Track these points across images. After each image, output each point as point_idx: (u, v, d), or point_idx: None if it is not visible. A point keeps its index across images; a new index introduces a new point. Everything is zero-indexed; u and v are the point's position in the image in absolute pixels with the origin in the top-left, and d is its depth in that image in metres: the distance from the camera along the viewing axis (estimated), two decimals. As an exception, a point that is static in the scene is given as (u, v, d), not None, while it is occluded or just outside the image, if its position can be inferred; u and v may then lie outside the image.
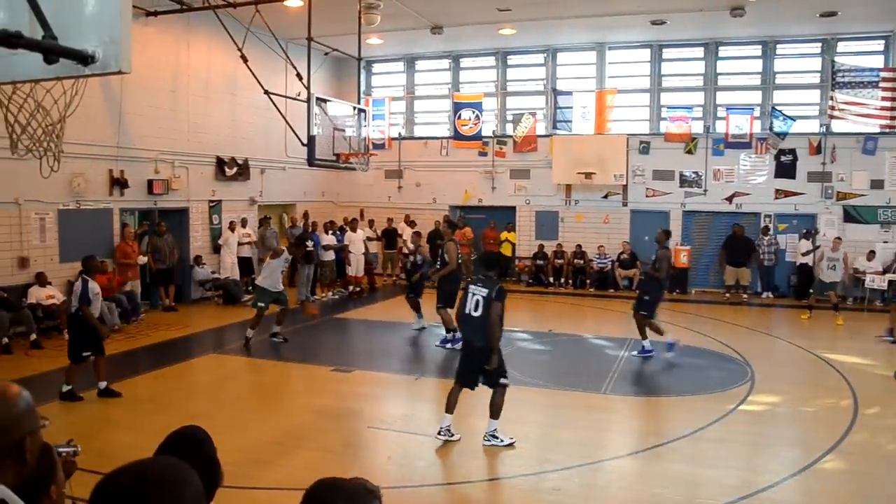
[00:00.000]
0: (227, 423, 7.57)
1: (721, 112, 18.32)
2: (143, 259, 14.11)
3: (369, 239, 18.16)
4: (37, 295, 11.87)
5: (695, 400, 8.91)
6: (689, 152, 18.28)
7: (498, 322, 6.93)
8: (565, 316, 15.06)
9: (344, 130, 13.15)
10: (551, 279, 18.99)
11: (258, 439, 7.22)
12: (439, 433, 7.14)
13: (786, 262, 17.63)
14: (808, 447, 7.21)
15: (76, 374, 8.59)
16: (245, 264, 16.57)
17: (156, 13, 13.71)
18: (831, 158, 17.21)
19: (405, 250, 13.81)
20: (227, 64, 15.42)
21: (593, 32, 18.09)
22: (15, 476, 1.69)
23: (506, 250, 19.56)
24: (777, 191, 17.72)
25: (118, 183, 13.79)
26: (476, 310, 7.04)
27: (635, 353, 11.19)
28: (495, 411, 7.12)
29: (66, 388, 8.47)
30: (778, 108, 17.52)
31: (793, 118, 17.25)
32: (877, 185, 16.93)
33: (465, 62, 20.81)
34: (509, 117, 20.20)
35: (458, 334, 11.33)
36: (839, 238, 15.43)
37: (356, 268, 17.19)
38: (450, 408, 7.20)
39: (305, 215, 18.31)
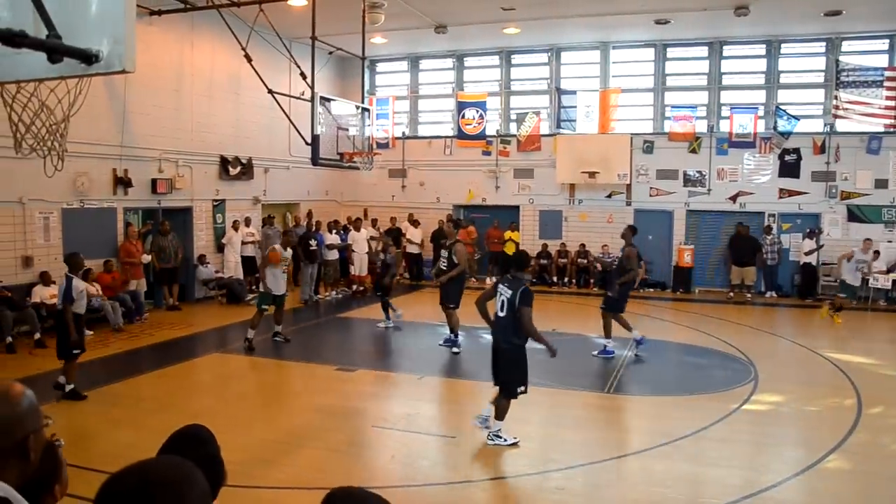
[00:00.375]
0: (231, 423, 7.59)
1: (725, 111, 18.29)
2: (146, 258, 14.14)
3: (373, 238, 18.15)
4: (40, 294, 11.90)
5: (698, 399, 8.90)
6: (693, 152, 18.26)
7: (531, 325, 6.93)
8: (569, 315, 15.04)
9: (348, 130, 13.16)
10: (555, 278, 18.98)
11: (262, 438, 7.23)
12: (494, 437, 7.10)
13: (789, 262, 17.60)
14: (811, 447, 7.20)
15: (75, 372, 8.59)
16: (249, 263, 16.59)
17: (160, 12, 13.74)
18: (835, 158, 17.17)
19: (376, 250, 13.53)
20: (230, 63, 15.43)
21: (597, 32, 18.07)
22: (19, 475, 1.69)
23: (509, 250, 19.55)
24: (781, 190, 17.69)
25: (122, 182, 13.82)
26: (502, 310, 7.04)
27: (595, 353, 11.12)
28: (500, 412, 7.10)
29: (69, 387, 8.47)
30: (782, 107, 17.49)
31: (797, 117, 17.23)
32: (881, 184, 16.90)
33: (468, 61, 20.80)
34: (513, 116, 20.18)
35: (459, 338, 11.41)
36: (869, 239, 15.31)
37: (359, 267, 17.20)
38: (498, 414, 7.14)
39: (309, 214, 18.33)
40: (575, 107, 18.98)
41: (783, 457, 7.04)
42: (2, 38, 2.77)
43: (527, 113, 19.73)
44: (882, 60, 17.00)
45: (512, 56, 20.24)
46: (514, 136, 19.79)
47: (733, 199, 18.07)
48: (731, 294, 17.24)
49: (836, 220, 17.26)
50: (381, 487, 6.12)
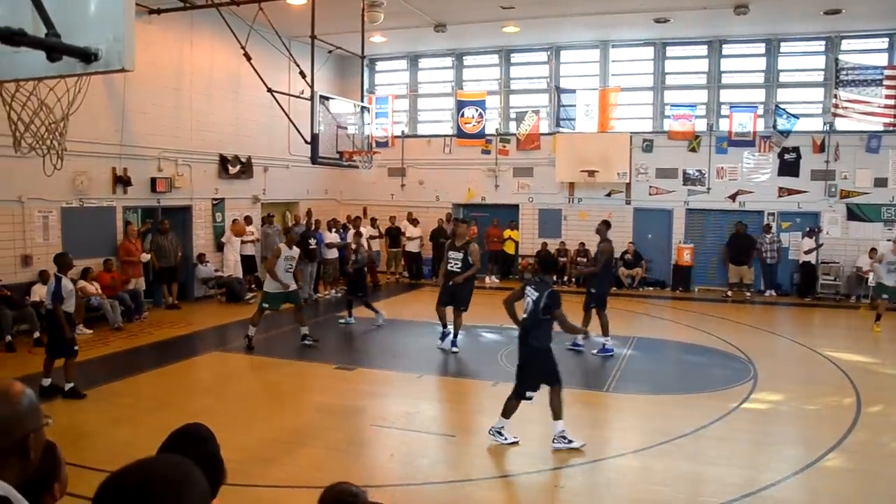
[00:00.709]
0: (230, 421, 7.59)
1: (724, 110, 18.28)
2: (146, 257, 14.14)
3: (372, 237, 18.16)
4: (40, 293, 11.86)
5: (697, 398, 8.90)
6: (693, 150, 18.27)
7: (570, 325, 7.00)
8: (568, 314, 14.97)
9: (347, 128, 13.16)
10: (554, 277, 18.94)
11: (261, 437, 7.23)
12: (554, 441, 6.93)
13: (788, 261, 17.60)
14: (810, 445, 7.20)
15: (74, 369, 8.60)
16: (248, 262, 16.59)
17: (159, 11, 13.72)
18: (835, 156, 17.18)
19: (355, 250, 13.26)
20: (230, 62, 15.42)
21: (597, 30, 18.06)
22: (19, 474, 1.69)
23: (509, 248, 19.57)
24: (780, 189, 17.69)
25: (121, 181, 13.81)
26: (525, 312, 7.02)
27: (594, 351, 11.11)
28: (507, 411, 7.05)
29: (68, 385, 8.46)
30: (781, 106, 17.49)
31: (796, 116, 17.23)
32: (880, 183, 16.90)
33: (468, 60, 20.80)
34: (512, 115, 20.18)
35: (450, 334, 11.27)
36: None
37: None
38: (556, 414, 7.02)
39: (309, 213, 18.33)
40: (574, 105, 18.97)
41: (783, 455, 7.04)
42: (1, 37, 2.77)
43: (526, 112, 19.72)
44: (881, 59, 17.00)
45: (511, 55, 20.23)
46: (514, 134, 19.79)
47: (733, 197, 18.08)
48: (730, 293, 17.24)
49: (835, 219, 17.27)
50: (380, 486, 6.13)
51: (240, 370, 10.58)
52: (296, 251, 11.76)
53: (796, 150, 17.44)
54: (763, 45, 18.02)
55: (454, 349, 11.18)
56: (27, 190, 11.92)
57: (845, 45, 17.36)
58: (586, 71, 19.59)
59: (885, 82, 16.29)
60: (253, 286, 16.40)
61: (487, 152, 20.06)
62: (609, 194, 19.01)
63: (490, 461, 6.84)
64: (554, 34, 18.36)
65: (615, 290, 17.71)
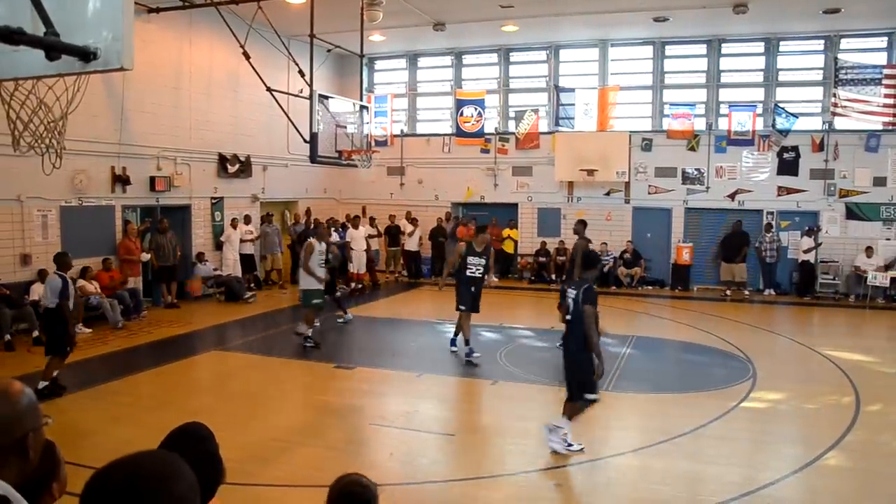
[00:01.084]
0: (229, 420, 7.59)
1: (724, 109, 18.28)
2: (146, 256, 14.13)
3: (371, 236, 18.15)
4: (39, 292, 11.85)
5: (696, 397, 8.91)
6: (692, 149, 18.27)
7: (591, 327, 6.66)
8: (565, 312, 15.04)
9: (346, 127, 13.16)
10: (553, 276, 18.98)
11: (260, 436, 7.23)
12: (570, 446, 6.79)
13: (787, 260, 17.60)
14: (809, 444, 7.21)
15: (56, 368, 8.58)
16: (247, 261, 16.59)
17: (158, 10, 13.71)
18: (834, 156, 17.18)
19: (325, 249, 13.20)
20: (229, 61, 15.41)
21: (596, 29, 18.06)
22: (18, 474, 1.68)
23: (508, 248, 19.58)
24: (779, 188, 17.70)
25: (120, 180, 13.81)
26: (569, 313, 6.87)
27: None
28: (571, 414, 6.82)
29: (42, 384, 8.32)
30: (781, 105, 17.49)
31: (795, 115, 17.23)
32: (879, 182, 16.91)
33: (467, 59, 20.79)
34: (511, 114, 20.18)
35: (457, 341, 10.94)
36: None
37: (358, 265, 17.19)
38: (566, 412, 6.92)
39: (308, 212, 18.32)
40: (573, 104, 18.98)
41: (781, 454, 7.04)
42: (0, 35, 2.77)
43: (525, 111, 19.71)
44: (881, 58, 17.00)
45: (510, 54, 20.23)
46: (513, 133, 19.78)
47: (732, 196, 18.08)
48: (728, 292, 17.20)
49: (834, 218, 17.28)
50: (379, 485, 6.10)
51: (239, 369, 10.57)
52: (324, 246, 11.68)
53: (795, 149, 17.44)
54: (762, 43, 18.02)
55: (476, 354, 10.63)
56: (26, 189, 11.91)
57: (844, 44, 17.36)
58: (585, 70, 19.59)
59: (885, 81, 16.30)
60: (252, 285, 16.40)
61: (486, 151, 20.05)
62: (608, 193, 19.01)
63: (489, 460, 6.85)
64: (553, 33, 18.36)
65: (615, 290, 17.79)
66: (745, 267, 17.35)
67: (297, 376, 10.13)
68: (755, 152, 17.85)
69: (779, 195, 17.71)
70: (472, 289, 10.69)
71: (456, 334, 11.11)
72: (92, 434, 7.23)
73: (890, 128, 16.48)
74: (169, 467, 1.50)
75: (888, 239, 16.81)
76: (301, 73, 12.84)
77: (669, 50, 18.86)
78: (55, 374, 8.56)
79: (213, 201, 16.38)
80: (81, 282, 12.23)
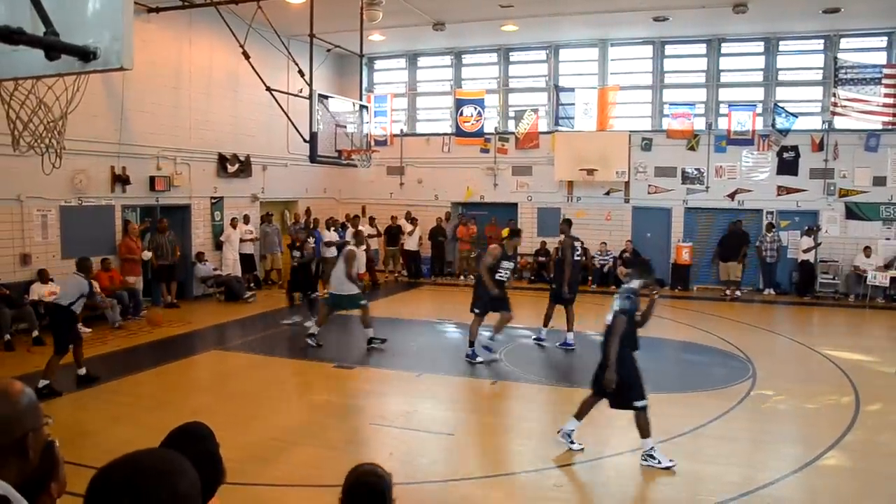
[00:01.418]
0: (229, 420, 7.58)
1: (723, 109, 18.28)
2: (147, 255, 14.13)
3: (371, 236, 18.15)
4: (39, 292, 11.89)
5: (696, 396, 8.91)
6: (692, 149, 18.27)
7: (613, 338, 6.49)
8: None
9: (346, 127, 13.16)
10: (553, 275, 18.95)
11: (259, 436, 7.23)
12: (559, 433, 6.83)
13: (787, 259, 17.60)
14: (809, 444, 7.21)
15: (57, 368, 8.66)
16: (247, 261, 16.59)
17: (157, 10, 13.71)
18: (833, 155, 17.18)
19: (298, 246, 12.97)
20: (229, 60, 15.41)
21: (595, 29, 18.06)
22: (18, 474, 1.68)
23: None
24: (779, 188, 17.70)
25: (120, 180, 13.80)
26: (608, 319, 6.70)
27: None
28: (642, 430, 6.54)
29: (43, 382, 8.36)
30: (780, 104, 17.49)
31: (795, 115, 17.23)
32: (879, 181, 16.91)
33: (466, 59, 20.79)
34: (511, 114, 20.18)
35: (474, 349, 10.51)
36: None
37: (357, 264, 17.15)
38: (580, 413, 6.82)
39: (308, 212, 18.32)
40: (573, 104, 18.98)
41: (781, 454, 7.05)
42: (0, 35, 2.77)
43: (525, 110, 19.71)
44: (880, 58, 17.00)
45: (510, 53, 20.22)
46: (513, 133, 19.78)
47: (732, 196, 18.08)
48: (728, 292, 17.19)
49: (834, 218, 17.28)
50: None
51: (238, 369, 10.58)
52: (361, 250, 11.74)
53: (795, 148, 17.44)
54: (762, 43, 18.02)
55: (476, 360, 10.47)
56: (26, 188, 11.90)
57: (844, 43, 17.36)
58: (585, 69, 19.59)
59: (884, 81, 16.29)
60: (251, 285, 16.40)
61: (486, 151, 20.05)
62: (608, 193, 19.01)
63: (489, 460, 6.85)
64: (553, 33, 18.36)
65: (614, 289, 17.76)
66: (740, 267, 17.33)
67: (297, 376, 10.14)
68: (755, 152, 17.85)
69: (778, 195, 17.71)
70: (497, 292, 10.48)
71: (492, 337, 10.73)
72: (92, 434, 7.23)
73: (889, 127, 16.47)
74: (172, 465, 1.52)
75: (888, 238, 16.81)
76: (301, 72, 12.83)
77: (669, 49, 18.86)
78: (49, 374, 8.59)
79: (213, 201, 16.38)
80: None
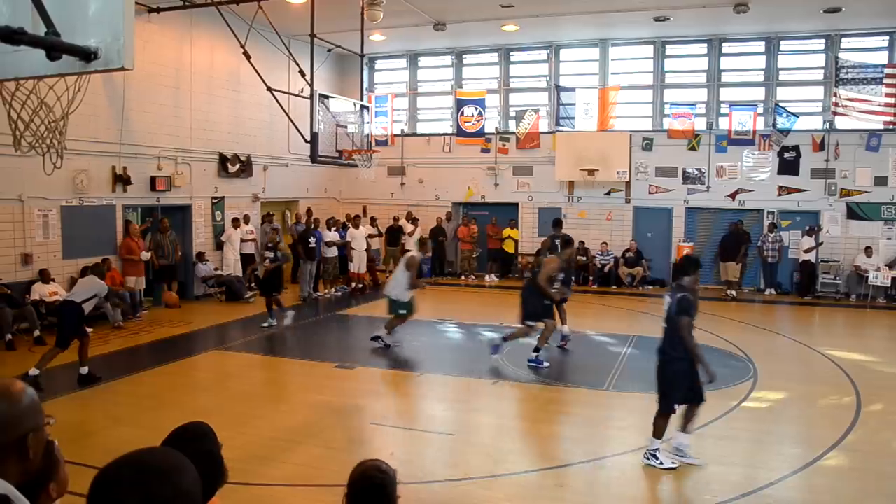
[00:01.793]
0: (230, 420, 7.59)
1: (724, 109, 18.27)
2: (147, 255, 14.13)
3: (371, 236, 18.15)
4: (40, 291, 11.91)
5: (697, 397, 8.89)
6: (693, 149, 18.26)
7: (688, 337, 6.44)
8: (568, 312, 15.03)
9: (347, 127, 13.16)
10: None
11: (260, 436, 7.23)
12: (645, 455, 6.53)
13: (788, 259, 17.59)
14: (810, 444, 7.21)
15: (50, 361, 8.77)
16: (248, 261, 16.59)
17: (158, 10, 13.72)
18: (835, 155, 17.16)
19: (272, 247, 12.87)
20: (229, 61, 15.42)
21: (596, 29, 18.06)
22: (19, 474, 1.68)
23: (508, 247, 19.57)
24: (780, 187, 17.69)
25: (121, 180, 13.81)
26: (664, 321, 6.66)
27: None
28: (657, 430, 6.48)
29: (34, 371, 8.47)
30: (781, 104, 17.48)
31: (796, 115, 17.22)
32: (880, 181, 16.89)
33: (467, 59, 20.78)
34: (512, 114, 20.17)
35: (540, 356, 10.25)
36: None
37: (358, 264, 17.20)
38: (685, 426, 6.60)
39: (308, 212, 18.33)
40: (574, 104, 18.97)
41: (782, 454, 7.04)
42: (1, 36, 2.77)
43: (526, 110, 19.71)
44: (881, 57, 16.98)
45: (511, 53, 20.22)
46: (513, 133, 19.78)
47: (732, 196, 18.07)
48: (728, 292, 17.13)
49: (835, 218, 17.26)
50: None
51: (239, 369, 10.58)
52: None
53: (796, 148, 17.43)
54: (763, 43, 18.01)
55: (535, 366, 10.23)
56: (27, 188, 11.92)
57: (845, 43, 17.35)
58: (586, 69, 19.59)
59: (885, 80, 16.28)
60: (252, 284, 16.39)
61: (487, 151, 20.05)
62: (609, 193, 19.01)
63: (490, 460, 6.84)
64: (553, 33, 18.36)
65: (615, 289, 17.80)
66: (738, 267, 17.31)
67: (298, 376, 10.14)
68: (756, 152, 17.84)
69: (779, 195, 17.71)
70: (546, 301, 10.34)
71: (537, 350, 10.34)
72: (93, 434, 7.24)
73: (891, 127, 16.46)
74: (174, 463, 1.54)
75: (889, 238, 16.79)
76: (301, 72, 12.84)
77: (670, 49, 18.86)
78: (38, 370, 8.66)
79: (214, 201, 16.38)
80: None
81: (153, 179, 14.55)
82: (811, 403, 8.84)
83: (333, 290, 17.15)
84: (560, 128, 19.05)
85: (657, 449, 6.46)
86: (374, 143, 15.16)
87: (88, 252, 12.85)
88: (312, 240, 16.26)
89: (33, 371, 8.42)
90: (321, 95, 12.47)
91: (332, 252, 16.79)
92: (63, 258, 12.75)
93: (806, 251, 16.85)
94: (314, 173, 19.08)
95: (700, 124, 18.23)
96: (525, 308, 10.44)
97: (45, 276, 12.07)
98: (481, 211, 20.26)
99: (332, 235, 16.94)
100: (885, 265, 16.18)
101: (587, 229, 19.07)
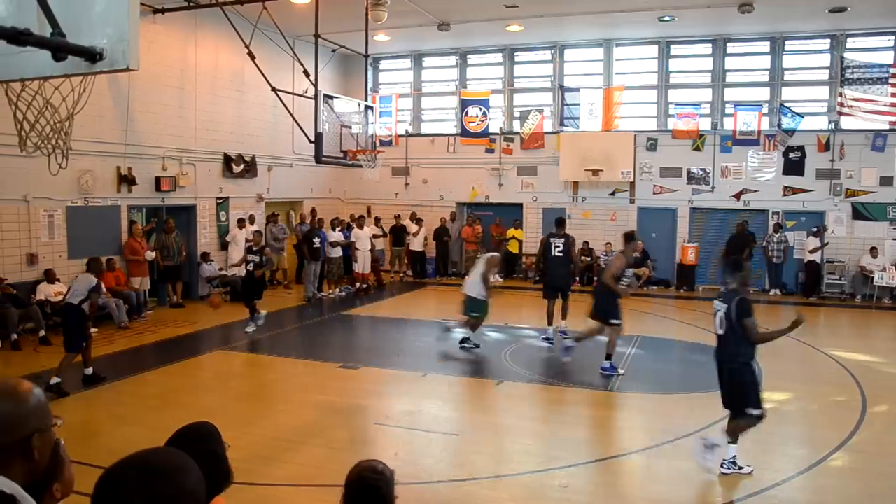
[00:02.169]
0: (234, 420, 7.60)
1: (729, 109, 18.24)
2: (151, 255, 14.16)
3: (376, 236, 18.16)
4: (45, 291, 11.94)
5: (701, 397, 8.87)
6: (697, 149, 18.23)
7: (761, 336, 6.33)
8: (572, 313, 15.02)
9: (351, 127, 13.14)
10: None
11: (264, 435, 7.24)
12: (722, 465, 6.33)
13: (793, 260, 17.54)
14: (815, 445, 7.19)
15: (69, 366, 8.74)
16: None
17: (163, 10, 13.75)
18: (840, 155, 17.12)
19: (258, 251, 12.74)
20: (234, 61, 15.45)
21: (601, 29, 18.04)
22: (25, 474, 1.68)
23: (512, 247, 19.56)
24: (785, 188, 17.64)
25: (126, 180, 13.85)
26: (720, 327, 6.43)
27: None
28: (733, 435, 6.32)
29: (55, 380, 8.46)
30: (786, 104, 17.44)
31: (801, 115, 17.17)
32: (886, 181, 16.83)
33: (472, 59, 20.78)
34: (516, 114, 20.16)
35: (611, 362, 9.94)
36: None
37: (363, 265, 17.21)
38: (732, 436, 6.43)
39: (313, 212, 18.34)
40: (578, 104, 18.96)
41: (787, 455, 7.02)
42: (7, 36, 2.78)
43: (530, 110, 19.70)
44: (887, 57, 16.93)
45: (515, 53, 20.21)
46: (518, 133, 19.77)
47: (737, 196, 18.04)
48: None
49: (840, 218, 17.21)
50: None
51: (243, 369, 10.61)
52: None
53: (801, 148, 17.38)
54: (768, 43, 17.97)
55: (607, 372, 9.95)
56: (33, 189, 11.96)
57: (850, 42, 17.29)
58: (590, 70, 19.57)
59: (891, 80, 16.22)
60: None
61: (491, 151, 20.05)
62: (613, 193, 18.99)
63: (494, 460, 6.84)
64: (558, 33, 18.34)
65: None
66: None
67: (302, 376, 10.15)
68: (761, 152, 17.79)
69: (784, 195, 17.66)
70: (618, 298, 10.09)
71: (608, 357, 10.01)
72: (98, 433, 7.26)
73: (896, 127, 16.42)
74: (178, 463, 1.55)
75: (894, 239, 16.74)
76: (306, 73, 12.84)
77: (674, 50, 18.83)
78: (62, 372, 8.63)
79: (219, 201, 16.41)
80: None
81: (158, 180, 14.58)
82: (816, 404, 8.81)
83: (338, 290, 17.17)
84: (564, 128, 19.04)
85: (735, 456, 6.28)
86: (378, 144, 15.14)
87: (93, 252, 12.80)
88: (317, 240, 16.28)
89: (55, 379, 8.43)
90: (325, 96, 12.47)
91: (337, 252, 16.80)
92: (68, 258, 12.79)
93: (811, 251, 16.80)
94: (318, 173, 19.11)
95: (705, 124, 18.21)
96: (596, 306, 10.21)
97: (50, 277, 12.11)
98: (485, 211, 20.25)
99: (336, 236, 16.96)
100: (891, 265, 16.14)
101: (591, 230, 19.05)
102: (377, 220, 19.47)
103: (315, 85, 12.33)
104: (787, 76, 18.00)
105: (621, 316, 10.07)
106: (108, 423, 7.70)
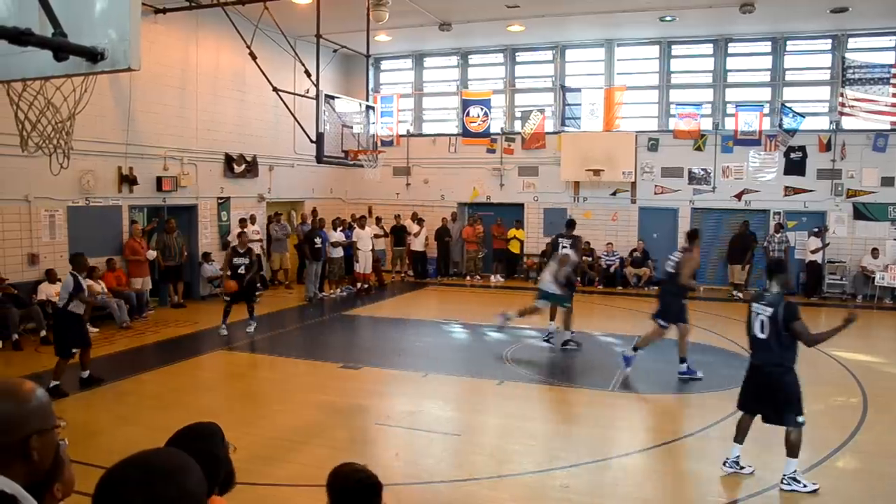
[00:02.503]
0: (235, 420, 7.61)
1: (730, 109, 18.23)
2: (152, 254, 14.16)
3: (377, 236, 18.17)
4: (46, 291, 11.94)
5: (702, 397, 8.88)
6: (698, 149, 18.22)
7: (814, 337, 6.15)
8: (573, 313, 15.04)
9: (352, 127, 13.15)
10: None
11: (265, 436, 7.24)
12: (725, 464, 6.35)
13: (794, 260, 17.52)
14: (816, 445, 7.17)
15: (64, 370, 8.69)
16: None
17: (164, 10, 13.75)
18: (841, 155, 17.10)
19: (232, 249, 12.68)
20: (235, 61, 15.45)
21: (602, 29, 18.03)
22: (25, 475, 1.67)
23: (514, 248, 19.56)
24: (786, 188, 17.63)
25: (127, 180, 13.86)
26: (762, 331, 6.20)
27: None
28: (791, 449, 5.99)
29: (53, 383, 8.43)
30: (787, 104, 17.42)
31: (802, 115, 17.15)
32: (887, 182, 16.81)
33: (473, 59, 20.77)
34: (518, 114, 20.15)
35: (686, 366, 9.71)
36: None
37: (364, 265, 17.21)
38: (738, 437, 6.37)
39: (314, 212, 18.35)
40: (580, 104, 18.95)
41: (788, 455, 7.01)
42: (8, 36, 2.78)
43: (531, 111, 19.69)
44: (888, 57, 16.90)
45: (516, 54, 20.21)
46: (519, 133, 19.77)
47: (738, 196, 18.03)
48: (738, 294, 17.06)
49: (841, 219, 17.20)
50: (385, 485, 6.11)
51: (244, 369, 10.61)
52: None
53: (802, 148, 17.37)
54: (769, 43, 17.95)
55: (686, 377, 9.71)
56: (34, 189, 11.97)
57: (852, 43, 17.28)
58: (591, 70, 19.56)
59: (893, 81, 16.20)
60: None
61: (492, 151, 20.05)
62: (614, 193, 18.98)
63: (495, 460, 6.84)
64: (559, 33, 18.33)
65: (620, 290, 17.77)
66: (741, 268, 17.23)
67: (303, 376, 10.15)
68: (762, 152, 17.78)
69: (786, 195, 17.65)
70: (683, 300, 9.91)
71: (683, 360, 9.76)
72: (98, 434, 7.26)
73: (898, 127, 16.40)
74: (179, 463, 1.55)
75: (895, 239, 16.73)
76: (307, 73, 12.84)
77: (676, 50, 18.82)
78: (58, 376, 8.62)
79: (220, 201, 16.41)
80: (89, 281, 12.24)
81: (159, 180, 14.59)
82: (817, 405, 8.78)
83: (339, 290, 17.17)
84: (566, 128, 19.03)
85: (796, 471, 6.01)
86: (379, 144, 15.14)
87: (95, 252, 12.86)
88: (318, 240, 16.28)
89: (53, 383, 8.42)
90: (327, 96, 12.48)
91: (338, 252, 16.80)
92: (70, 260, 12.76)
93: (812, 252, 16.79)
94: (320, 174, 19.11)
95: (706, 124, 18.19)
96: (662, 309, 9.90)
97: (51, 277, 12.11)
98: (487, 211, 20.25)
99: (337, 236, 16.96)
100: (892, 265, 16.12)
101: (592, 230, 19.03)
102: (378, 221, 19.47)
103: (316, 85, 12.33)
104: (789, 76, 17.99)
105: (687, 320, 9.84)
106: (108, 423, 7.71)
